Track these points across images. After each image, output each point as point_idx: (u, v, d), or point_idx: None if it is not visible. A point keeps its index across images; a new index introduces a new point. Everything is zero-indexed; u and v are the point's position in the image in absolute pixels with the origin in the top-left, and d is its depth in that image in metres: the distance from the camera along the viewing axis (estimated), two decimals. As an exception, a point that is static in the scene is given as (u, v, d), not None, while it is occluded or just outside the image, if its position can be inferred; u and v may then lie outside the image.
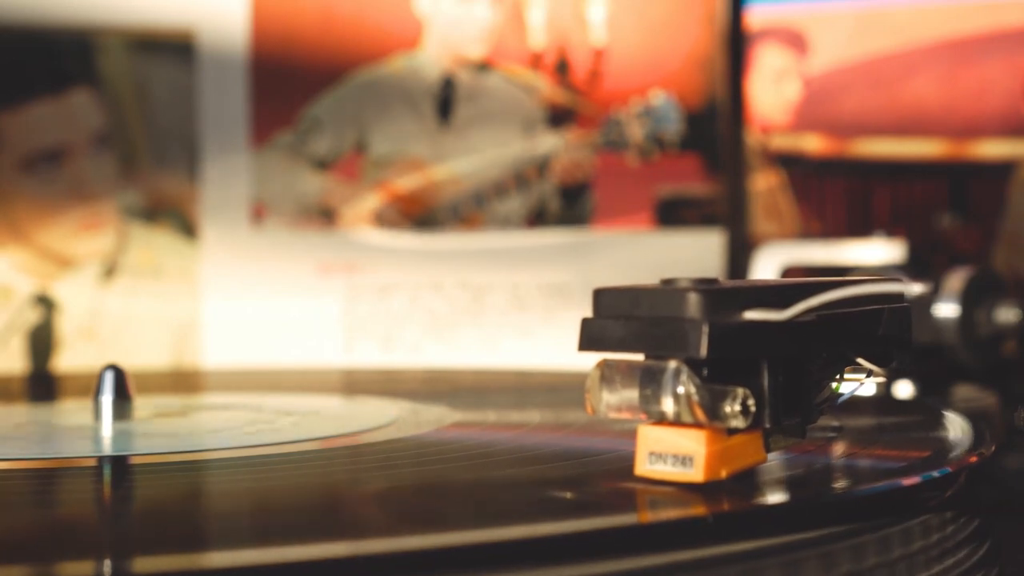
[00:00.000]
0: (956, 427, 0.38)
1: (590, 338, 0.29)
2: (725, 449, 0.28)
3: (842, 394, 0.31)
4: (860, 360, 0.31)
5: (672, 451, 0.28)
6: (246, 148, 0.72)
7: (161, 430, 0.41)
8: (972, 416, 0.40)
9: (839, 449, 0.35)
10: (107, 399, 0.43)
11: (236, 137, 0.71)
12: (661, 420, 0.28)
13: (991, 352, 0.62)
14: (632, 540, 0.25)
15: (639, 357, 0.29)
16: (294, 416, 0.45)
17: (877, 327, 0.31)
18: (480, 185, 0.74)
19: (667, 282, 0.29)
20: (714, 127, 0.76)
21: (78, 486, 0.34)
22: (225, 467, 0.35)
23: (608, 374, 0.29)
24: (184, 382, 0.65)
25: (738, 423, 0.28)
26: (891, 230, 0.73)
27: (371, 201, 0.73)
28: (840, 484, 0.31)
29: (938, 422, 0.40)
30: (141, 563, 0.23)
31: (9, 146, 0.69)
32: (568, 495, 0.30)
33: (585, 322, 0.29)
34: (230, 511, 0.30)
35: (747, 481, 0.29)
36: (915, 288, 0.61)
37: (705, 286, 0.28)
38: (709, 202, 0.76)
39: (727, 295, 0.28)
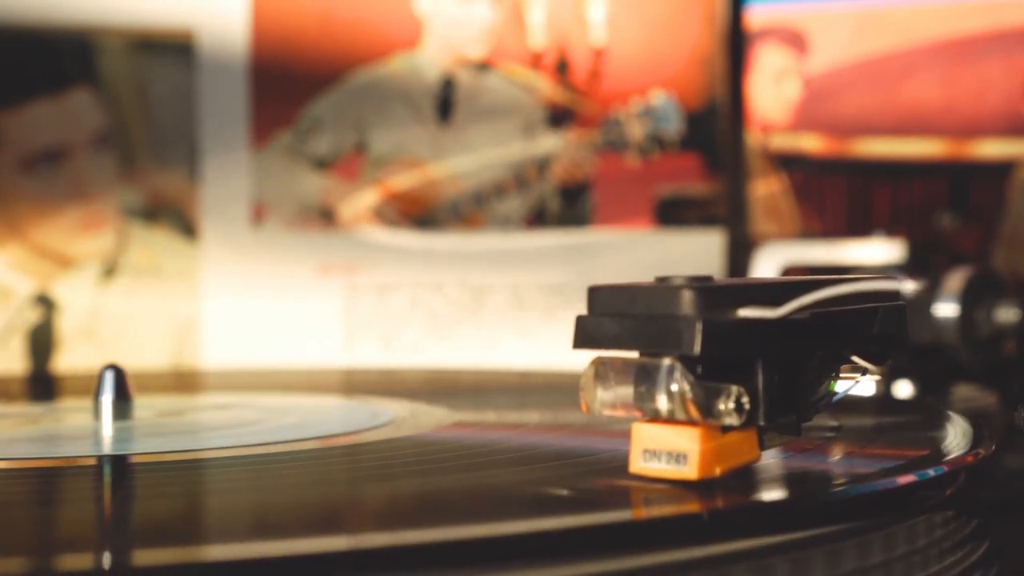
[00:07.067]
0: (955, 427, 0.38)
1: (585, 336, 0.29)
2: (719, 447, 0.28)
3: (837, 392, 0.31)
4: (855, 359, 0.31)
5: (666, 448, 0.28)
6: (246, 148, 0.72)
7: (161, 430, 0.42)
8: (972, 416, 0.40)
9: (835, 448, 0.35)
10: (107, 399, 0.43)
11: (236, 137, 0.71)
12: (655, 418, 0.28)
13: (991, 352, 0.62)
14: (626, 537, 0.25)
15: (634, 355, 0.29)
16: (294, 416, 0.45)
17: (872, 326, 0.31)
18: (480, 185, 0.74)
19: (662, 280, 0.29)
20: (714, 127, 0.76)
21: (78, 486, 0.34)
22: (225, 467, 0.35)
23: (603, 371, 0.29)
24: (184, 382, 0.65)
25: (732, 421, 0.28)
26: (891, 230, 0.73)
27: (371, 200, 0.73)
28: (836, 482, 0.31)
29: (937, 421, 0.40)
30: (141, 561, 0.23)
31: (9, 146, 0.69)
32: (564, 493, 0.30)
33: (580, 320, 0.29)
34: (230, 510, 0.30)
35: (742, 479, 0.29)
36: (915, 288, 0.61)
37: (699, 284, 0.28)
38: (709, 202, 0.76)
39: (721, 293, 0.28)
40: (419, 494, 0.30)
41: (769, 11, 0.84)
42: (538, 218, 0.75)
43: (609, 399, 0.29)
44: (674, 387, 0.28)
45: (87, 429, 0.42)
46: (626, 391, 0.28)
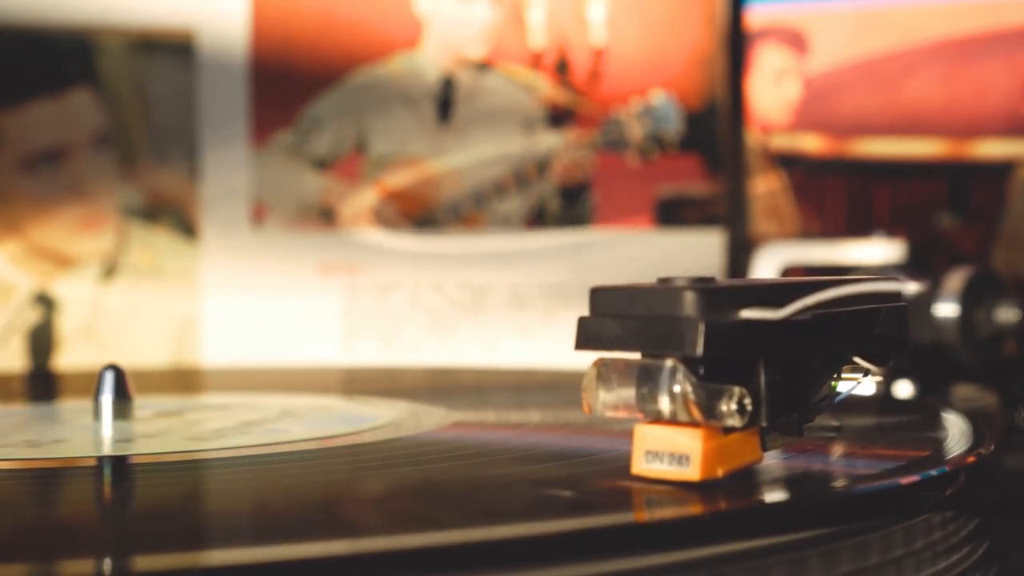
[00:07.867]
0: (955, 427, 0.38)
1: (587, 337, 0.29)
2: (721, 448, 0.28)
3: (839, 393, 0.31)
4: (857, 359, 0.31)
5: (668, 450, 0.28)
6: (246, 148, 0.72)
7: (161, 430, 0.42)
8: (972, 416, 0.40)
9: (837, 448, 0.35)
10: (107, 399, 0.43)
11: (236, 137, 0.71)
12: (658, 419, 0.28)
13: (991, 352, 0.62)
14: (629, 539, 0.25)
15: (636, 356, 0.29)
16: (293, 416, 0.45)
17: (874, 326, 0.31)
18: (480, 185, 0.74)
19: (664, 281, 0.29)
20: (714, 127, 0.76)
21: (78, 486, 0.34)
22: (225, 467, 0.35)
23: (605, 373, 0.29)
24: (184, 382, 0.65)
25: (734, 422, 0.28)
26: (891, 230, 0.73)
27: (371, 200, 0.73)
28: (838, 483, 0.31)
29: (937, 422, 0.40)
30: (141, 562, 0.23)
31: (9, 146, 0.69)
32: (566, 494, 0.30)
33: (582, 321, 0.29)
34: (230, 511, 0.30)
35: (744, 480, 0.29)
36: (915, 288, 0.61)
37: (701, 285, 0.28)
38: (709, 202, 0.76)
39: (724, 294, 0.28)
40: (419, 495, 0.30)
41: (769, 11, 0.84)
42: (538, 218, 0.75)
43: (611, 400, 0.29)
44: (676, 388, 0.28)
45: (87, 429, 0.42)
46: (628, 392, 0.28)
